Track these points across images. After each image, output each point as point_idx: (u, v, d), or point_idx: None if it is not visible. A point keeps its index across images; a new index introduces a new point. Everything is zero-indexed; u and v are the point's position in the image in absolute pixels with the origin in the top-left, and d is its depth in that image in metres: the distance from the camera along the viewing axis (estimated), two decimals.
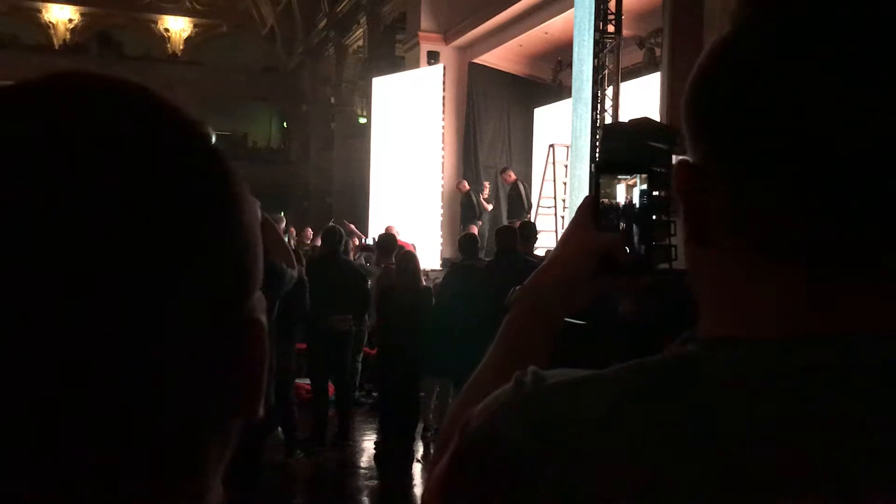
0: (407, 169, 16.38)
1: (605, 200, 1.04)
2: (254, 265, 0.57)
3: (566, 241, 1.07)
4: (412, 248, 9.25)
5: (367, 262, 9.79)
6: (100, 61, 26.99)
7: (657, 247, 1.02)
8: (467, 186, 14.57)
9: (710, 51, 0.68)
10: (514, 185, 13.92)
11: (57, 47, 30.18)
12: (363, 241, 13.12)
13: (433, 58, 16.43)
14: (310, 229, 14.60)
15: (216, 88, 29.04)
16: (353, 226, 13.39)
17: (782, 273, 0.65)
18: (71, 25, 31.11)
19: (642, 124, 5.50)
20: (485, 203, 14.28)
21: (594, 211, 1.05)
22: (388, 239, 9.00)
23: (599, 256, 1.04)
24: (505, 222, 12.18)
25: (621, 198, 1.04)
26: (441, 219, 15.59)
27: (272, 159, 29.85)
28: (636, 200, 1.03)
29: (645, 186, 1.02)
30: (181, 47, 32.58)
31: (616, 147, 6.21)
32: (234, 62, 30.76)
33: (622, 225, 1.03)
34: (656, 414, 0.63)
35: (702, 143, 0.68)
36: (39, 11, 30.87)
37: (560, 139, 13.12)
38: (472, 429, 0.69)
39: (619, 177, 1.03)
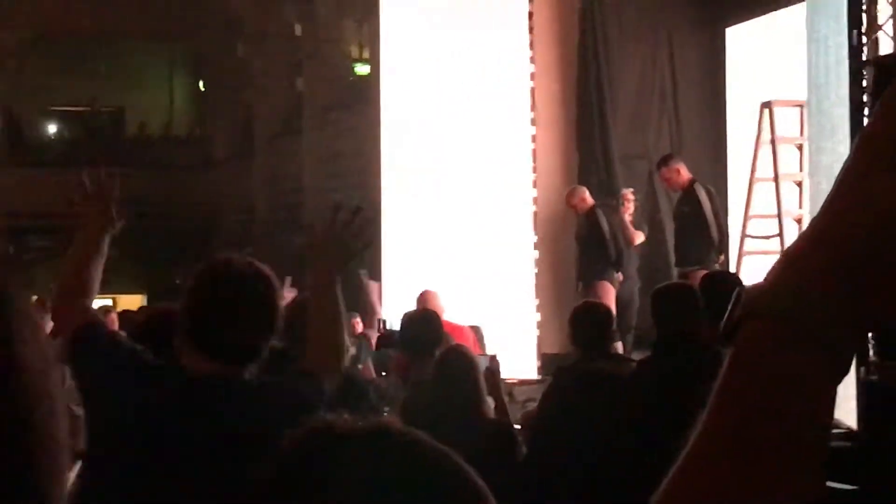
0: (460, 167, 12.21)
1: None
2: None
3: (852, 189, 0.75)
4: (469, 337, 7.39)
5: (381, 372, 7.51)
6: None
7: None
8: (590, 200, 11.12)
9: None
10: (689, 192, 10.44)
11: None
12: (381, 323, 10.28)
13: None
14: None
15: (56, 17, 18.88)
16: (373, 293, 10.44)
17: None
18: None
19: None
20: (629, 231, 11.09)
21: None
22: (423, 321, 6.09)
23: None
24: (673, 273, 10.21)
25: None
26: (535, 270, 11.70)
27: (177, 158, 19.11)
28: None
29: None
30: None
31: None
32: None
33: None
34: None
35: None
36: None
37: (784, 92, 10.65)
38: None
39: None
